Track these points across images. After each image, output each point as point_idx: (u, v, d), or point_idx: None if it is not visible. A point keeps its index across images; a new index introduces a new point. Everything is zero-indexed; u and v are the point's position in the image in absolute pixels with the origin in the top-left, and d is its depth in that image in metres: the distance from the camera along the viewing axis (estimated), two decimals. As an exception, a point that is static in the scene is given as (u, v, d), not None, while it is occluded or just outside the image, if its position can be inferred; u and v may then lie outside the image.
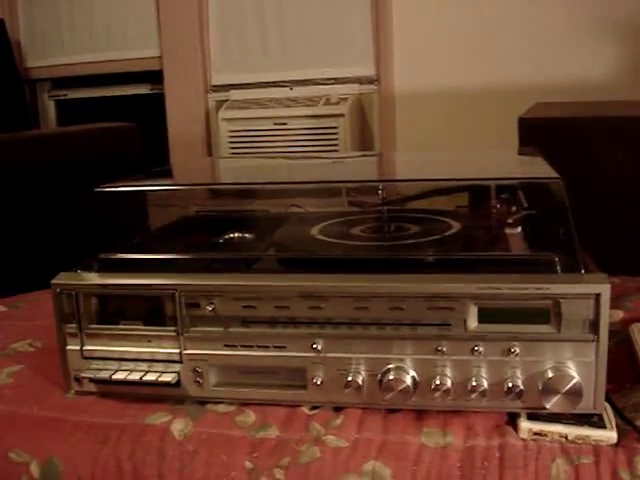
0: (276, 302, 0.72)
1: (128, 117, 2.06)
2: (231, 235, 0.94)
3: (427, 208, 0.94)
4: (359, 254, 0.80)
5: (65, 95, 3.14)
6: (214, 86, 2.81)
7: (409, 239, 0.85)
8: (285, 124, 2.51)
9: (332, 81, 2.63)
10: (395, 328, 0.71)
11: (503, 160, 1.06)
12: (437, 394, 0.71)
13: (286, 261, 0.82)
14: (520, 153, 1.17)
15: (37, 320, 0.99)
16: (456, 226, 0.88)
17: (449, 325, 0.70)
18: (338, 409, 0.74)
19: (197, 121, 2.79)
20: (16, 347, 0.91)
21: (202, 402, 0.76)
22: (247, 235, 0.94)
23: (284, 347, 0.73)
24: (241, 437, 0.71)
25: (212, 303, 0.73)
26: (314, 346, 0.72)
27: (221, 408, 0.75)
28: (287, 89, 2.67)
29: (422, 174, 0.96)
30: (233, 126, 2.60)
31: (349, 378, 0.72)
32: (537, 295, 0.68)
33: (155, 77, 2.89)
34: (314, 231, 0.89)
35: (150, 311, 0.76)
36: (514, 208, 0.93)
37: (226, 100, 2.75)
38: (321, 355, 0.72)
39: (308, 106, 2.53)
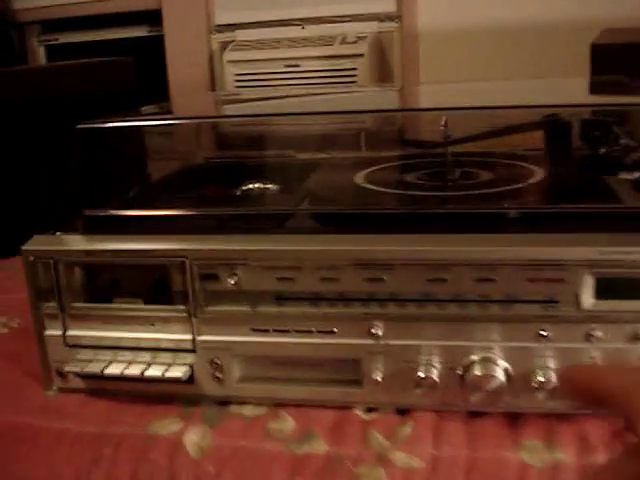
0: (321, 272, 0.54)
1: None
2: (250, 186, 0.75)
3: (498, 151, 0.75)
4: (429, 208, 0.61)
5: (56, 40, 2.91)
6: (218, 26, 2.58)
7: (482, 188, 0.65)
8: (297, 66, 2.29)
9: (348, 18, 2.39)
10: (482, 306, 0.53)
11: (582, 89, 0.86)
12: (538, 393, 0.53)
13: (327, 217, 0.63)
14: (596, 83, 0.97)
15: (18, 292, 0.80)
16: (539, 172, 0.69)
17: (556, 302, 0.52)
18: (402, 412, 0.56)
19: (200, 65, 2.56)
20: (-14, 328, 0.73)
21: (223, 403, 0.58)
22: (270, 186, 0.75)
23: (332, 332, 0.55)
24: (277, 453, 0.53)
25: (234, 274, 0.55)
26: (372, 330, 0.54)
27: (248, 411, 0.57)
28: (299, 28, 2.44)
29: (486, 104, 0.77)
30: (240, 69, 2.38)
31: (420, 373, 0.54)
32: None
33: (153, 17, 2.66)
34: (358, 178, 0.70)
35: (153, 285, 0.57)
36: (603, 149, 0.74)
37: (231, 41, 2.51)
38: (381, 342, 0.54)
39: (323, 46, 2.31)
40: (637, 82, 0.77)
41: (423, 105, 0.92)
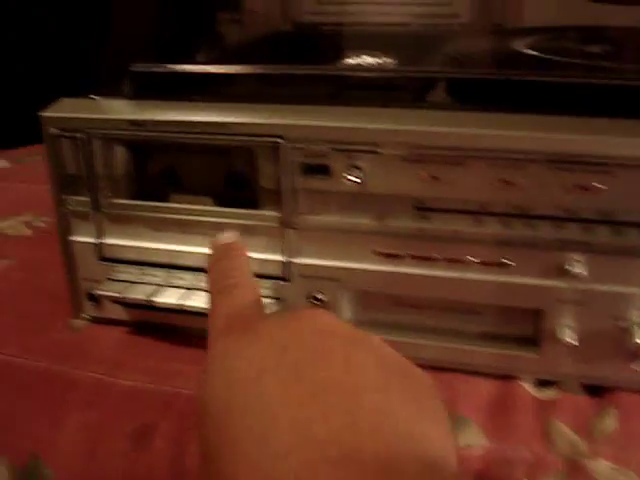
0: (492, 171, 0.34)
1: None
2: (355, 60, 0.54)
3: None
4: None
5: None
6: None
7: None
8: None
9: None
10: None
11: None
12: None
13: (486, 88, 0.42)
14: None
15: (47, 183, 0.63)
16: None
17: None
18: (593, 391, 0.37)
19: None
20: (3, 226, 0.55)
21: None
22: (385, 59, 0.54)
23: (502, 264, 0.35)
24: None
25: (356, 167, 0.35)
26: (567, 267, 0.34)
27: (361, 372, 0.38)
28: None
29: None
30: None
31: (636, 338, 0.34)
32: None
33: None
34: (518, 46, 0.49)
35: (229, 179, 0.38)
36: None
37: None
38: (580, 286, 0.35)
39: None
40: None
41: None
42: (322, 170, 0.36)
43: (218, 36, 0.57)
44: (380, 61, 0.53)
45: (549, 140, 0.33)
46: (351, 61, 0.52)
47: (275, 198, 0.37)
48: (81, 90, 0.42)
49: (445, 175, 0.34)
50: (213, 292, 0.30)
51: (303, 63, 0.48)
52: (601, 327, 0.35)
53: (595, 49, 0.48)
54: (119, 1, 0.44)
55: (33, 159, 0.70)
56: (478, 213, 0.35)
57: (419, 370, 0.25)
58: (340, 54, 0.52)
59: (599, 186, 0.33)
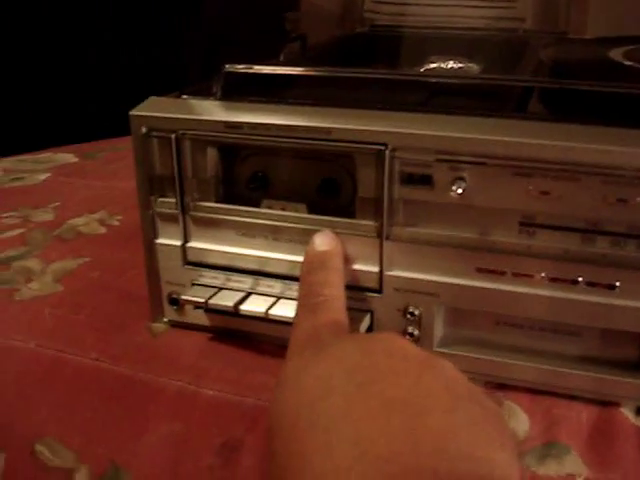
0: (607, 188, 0.32)
1: None
2: (436, 65, 0.52)
3: None
4: None
5: None
6: None
7: None
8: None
9: None
10: None
11: None
12: None
13: (596, 100, 0.40)
14: None
15: (120, 180, 0.63)
16: None
17: None
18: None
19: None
20: (78, 224, 0.55)
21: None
22: (469, 64, 0.52)
23: (610, 286, 0.34)
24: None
25: (461, 179, 0.34)
26: (682, 291, 0.33)
27: (453, 390, 0.37)
28: None
29: None
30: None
31: None
32: None
33: None
34: (617, 56, 0.47)
35: (325, 186, 0.37)
36: None
37: None
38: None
39: None
40: None
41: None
42: (425, 180, 0.34)
43: (301, 38, 0.56)
44: (465, 66, 0.52)
45: (669, 157, 0.31)
46: (440, 66, 0.51)
47: (373, 207, 0.36)
48: (163, 89, 0.42)
49: (554, 190, 0.33)
50: (300, 305, 0.31)
51: (391, 67, 0.47)
52: None
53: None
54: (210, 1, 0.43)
55: (101, 155, 0.70)
56: (587, 231, 0.33)
57: (488, 397, 0.25)
58: (422, 59, 0.51)
59: None
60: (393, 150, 0.34)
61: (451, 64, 0.53)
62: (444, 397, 0.23)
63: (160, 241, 0.41)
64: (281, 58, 0.49)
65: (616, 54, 0.48)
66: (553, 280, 0.34)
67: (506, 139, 0.33)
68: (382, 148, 0.34)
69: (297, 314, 0.31)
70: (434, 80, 0.41)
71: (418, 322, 0.37)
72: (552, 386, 0.37)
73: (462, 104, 0.39)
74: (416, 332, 0.37)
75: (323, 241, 0.34)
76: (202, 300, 0.39)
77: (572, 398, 0.37)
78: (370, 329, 0.38)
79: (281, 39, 0.57)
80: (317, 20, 0.65)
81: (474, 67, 0.52)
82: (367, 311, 0.37)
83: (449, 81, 0.41)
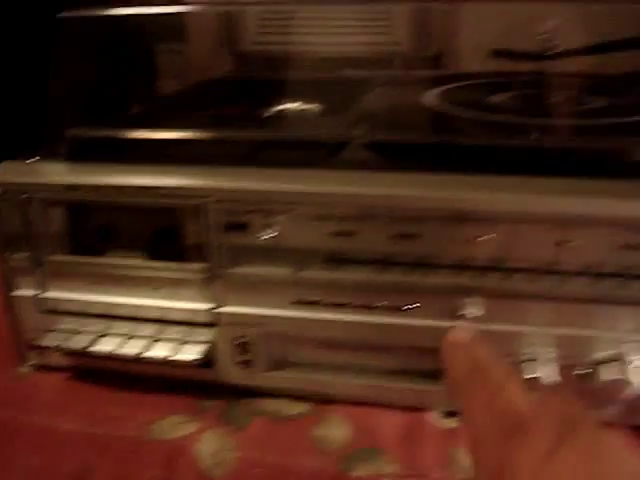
0: (393, 226, 0.38)
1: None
2: (282, 106, 0.58)
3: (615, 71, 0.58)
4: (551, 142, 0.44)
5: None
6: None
7: (606, 116, 0.48)
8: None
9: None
10: (622, 284, 0.37)
11: None
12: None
13: (394, 148, 0.47)
14: None
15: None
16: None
17: None
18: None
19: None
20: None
21: (249, 395, 0.43)
22: (308, 106, 0.58)
23: (403, 309, 0.40)
24: (322, 473, 0.38)
25: (272, 224, 0.39)
26: (462, 310, 0.39)
27: (285, 409, 0.42)
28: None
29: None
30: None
31: (525, 372, 0.38)
32: None
33: None
34: (429, 99, 0.53)
35: (160, 235, 0.42)
36: None
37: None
38: (478, 326, 0.39)
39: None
40: None
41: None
42: (242, 226, 0.39)
43: (151, 90, 0.60)
44: (307, 108, 0.58)
45: (444, 199, 0.37)
46: (287, 108, 0.56)
47: (202, 253, 0.41)
48: (22, 151, 0.46)
49: (351, 229, 0.38)
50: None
51: (226, 123, 0.52)
52: (495, 362, 0.39)
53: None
54: (56, 66, 0.47)
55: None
56: (381, 263, 0.39)
57: None
58: (264, 103, 0.56)
59: (486, 237, 0.37)
60: (212, 203, 0.39)
61: (297, 105, 0.59)
62: None
63: (17, 293, 0.44)
64: (129, 114, 0.53)
65: (430, 96, 0.54)
66: (356, 307, 0.40)
67: (309, 190, 0.39)
68: (203, 201, 0.39)
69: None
70: (254, 137, 0.46)
71: (249, 350, 0.42)
72: (371, 399, 0.42)
73: (284, 157, 0.44)
74: (249, 359, 0.42)
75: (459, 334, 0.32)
76: (56, 344, 0.43)
77: (389, 407, 0.42)
78: (209, 361, 0.42)
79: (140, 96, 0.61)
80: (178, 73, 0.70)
81: (315, 108, 0.58)
82: (207, 343, 0.42)
83: (272, 135, 0.46)
